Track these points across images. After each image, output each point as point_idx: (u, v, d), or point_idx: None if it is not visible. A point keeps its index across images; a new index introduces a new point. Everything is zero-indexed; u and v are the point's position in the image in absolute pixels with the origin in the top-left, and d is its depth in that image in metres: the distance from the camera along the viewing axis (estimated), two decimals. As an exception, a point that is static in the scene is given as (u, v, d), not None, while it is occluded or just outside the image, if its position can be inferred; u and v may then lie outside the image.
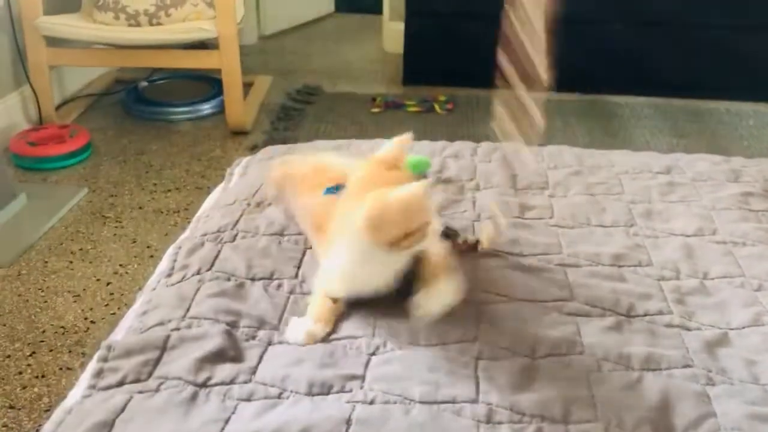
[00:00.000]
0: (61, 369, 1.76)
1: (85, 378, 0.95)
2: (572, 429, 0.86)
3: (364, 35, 4.15)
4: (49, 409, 1.63)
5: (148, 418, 0.85)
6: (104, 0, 2.84)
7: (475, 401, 0.88)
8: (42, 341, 1.85)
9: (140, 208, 2.46)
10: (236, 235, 1.21)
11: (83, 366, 1.01)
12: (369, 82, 3.52)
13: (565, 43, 3.55)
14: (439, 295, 1.03)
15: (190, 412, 0.86)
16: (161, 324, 1.00)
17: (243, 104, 2.99)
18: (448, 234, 1.16)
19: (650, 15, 3.29)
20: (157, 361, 0.94)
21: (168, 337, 0.97)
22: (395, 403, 0.88)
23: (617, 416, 0.87)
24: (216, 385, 0.90)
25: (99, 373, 0.93)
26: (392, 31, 3.81)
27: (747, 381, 0.94)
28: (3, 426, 1.61)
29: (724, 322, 1.05)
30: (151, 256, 2.18)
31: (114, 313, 1.94)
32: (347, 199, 1.02)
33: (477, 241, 1.18)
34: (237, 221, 1.25)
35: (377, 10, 4.00)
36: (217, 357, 0.94)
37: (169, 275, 1.13)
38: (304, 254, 1.18)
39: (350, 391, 0.90)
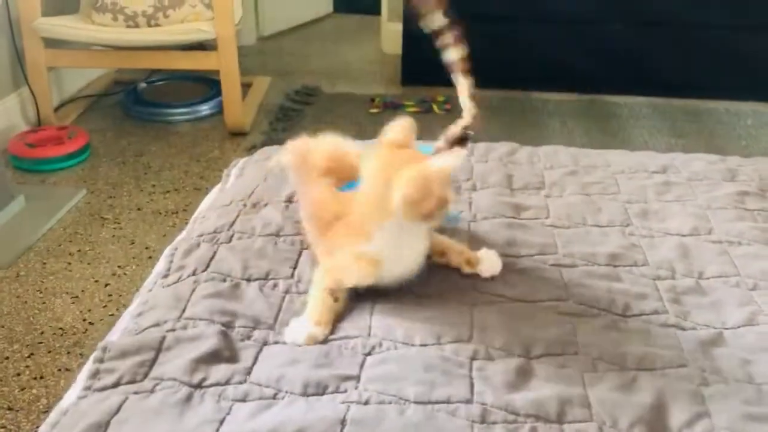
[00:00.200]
0: (59, 370, 1.77)
1: (81, 379, 0.95)
2: (567, 429, 0.86)
3: (362, 36, 4.15)
4: (47, 411, 1.64)
5: (143, 418, 0.85)
6: (102, 1, 2.84)
7: (469, 401, 0.88)
8: (40, 342, 1.85)
9: (139, 209, 2.46)
10: (232, 236, 1.21)
11: (82, 367, 1.01)
12: (367, 83, 3.52)
13: (563, 43, 3.59)
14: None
15: (185, 412, 0.86)
16: (157, 325, 1.01)
17: (241, 105, 2.99)
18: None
19: (649, 15, 3.30)
20: (153, 362, 0.94)
21: (163, 338, 0.97)
22: (390, 403, 0.88)
23: (612, 416, 0.87)
24: (211, 385, 0.91)
25: (95, 374, 0.93)
26: (391, 31, 3.81)
27: (742, 380, 0.94)
28: (1, 427, 1.61)
29: (719, 321, 1.05)
30: (150, 257, 2.19)
31: (112, 315, 1.94)
32: (371, 185, 1.02)
33: (465, 133, 1.20)
34: (233, 222, 1.25)
35: (376, 10, 4.00)
36: (213, 358, 0.94)
37: (165, 276, 1.14)
38: (300, 255, 1.18)
39: (345, 391, 0.90)
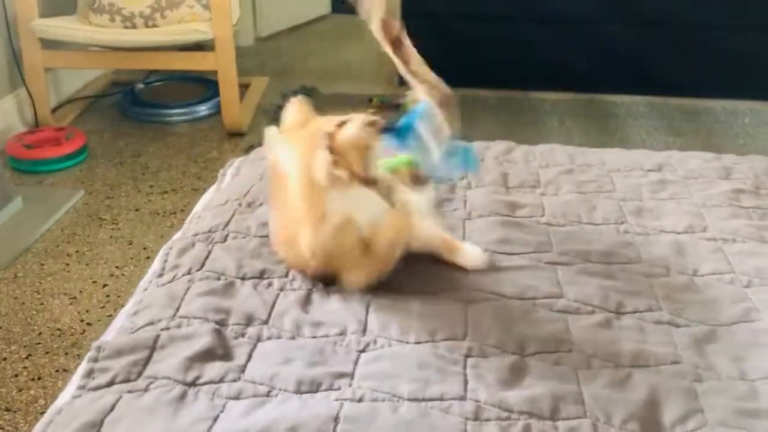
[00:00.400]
0: (57, 371, 1.77)
1: (75, 378, 0.95)
2: (560, 425, 0.86)
3: (360, 36, 4.14)
4: (45, 412, 1.63)
5: (136, 417, 0.85)
6: (100, 2, 2.84)
7: (463, 398, 0.89)
8: (38, 343, 1.85)
9: (137, 210, 2.46)
10: (227, 236, 1.21)
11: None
12: (365, 83, 3.52)
13: (561, 43, 3.59)
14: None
15: (179, 411, 0.86)
16: (151, 324, 1.01)
17: (239, 106, 2.99)
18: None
19: (646, 15, 3.30)
20: (147, 361, 0.94)
21: (158, 336, 0.98)
22: (383, 400, 0.88)
23: (605, 412, 0.87)
24: (205, 383, 0.91)
25: (89, 374, 0.93)
26: (388, 31, 3.81)
27: (734, 377, 0.94)
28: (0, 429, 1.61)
29: (713, 318, 1.06)
30: (148, 258, 2.19)
31: (110, 315, 1.94)
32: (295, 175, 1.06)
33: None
34: (228, 222, 1.25)
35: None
36: (206, 356, 0.94)
37: (160, 275, 1.14)
38: (295, 254, 1.18)
39: (339, 388, 0.90)
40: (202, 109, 3.15)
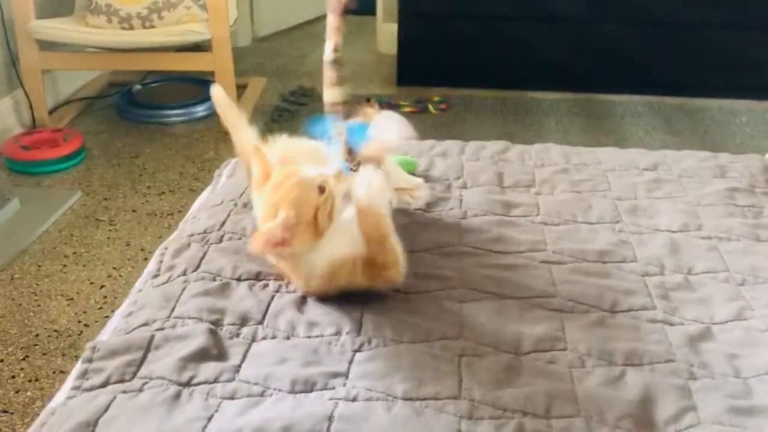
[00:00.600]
0: (54, 372, 1.77)
1: (70, 379, 0.95)
2: (554, 423, 0.86)
3: (358, 36, 4.15)
4: (41, 412, 1.64)
5: (131, 417, 0.85)
6: (97, 3, 2.84)
7: (457, 397, 0.89)
8: (35, 345, 1.85)
9: (134, 211, 2.46)
10: (223, 236, 1.22)
11: (77, 369, 1.01)
12: (363, 83, 3.52)
13: (559, 43, 3.59)
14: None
15: (173, 411, 0.86)
16: (146, 324, 1.01)
17: (237, 106, 2.99)
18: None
19: (643, 14, 3.30)
20: (142, 361, 0.94)
21: (152, 337, 0.98)
22: (378, 399, 0.88)
23: (599, 411, 0.88)
24: (199, 383, 0.91)
25: (83, 374, 0.93)
26: (386, 32, 3.82)
27: (728, 375, 0.95)
28: (-3, 430, 1.62)
29: (707, 316, 1.06)
30: (145, 259, 2.19)
31: (107, 316, 1.94)
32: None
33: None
34: (224, 222, 1.25)
35: (371, 11, 4.01)
36: (201, 356, 0.95)
37: (156, 276, 1.14)
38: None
39: (333, 388, 0.90)
40: (200, 110, 3.15)
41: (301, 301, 1.07)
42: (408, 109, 3.17)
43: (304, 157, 1.12)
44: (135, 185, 2.62)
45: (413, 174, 1.42)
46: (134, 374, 0.92)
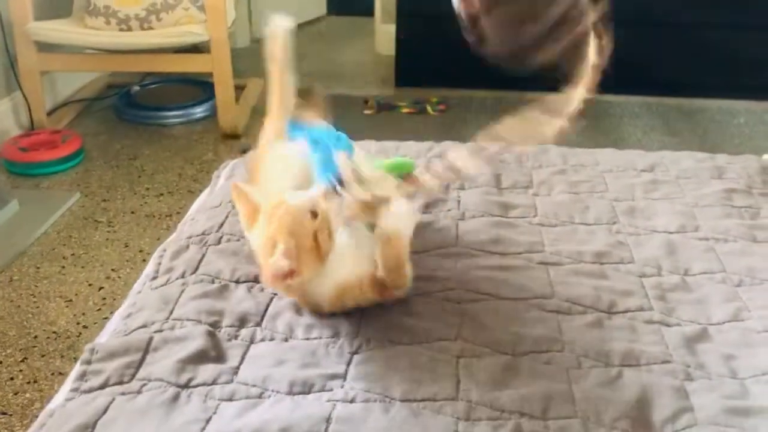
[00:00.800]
0: (53, 374, 1.77)
1: (68, 381, 0.96)
2: (551, 425, 0.86)
3: (356, 37, 4.16)
4: (40, 414, 1.64)
5: (129, 419, 0.85)
6: (95, 5, 2.85)
7: (454, 399, 0.89)
8: (34, 347, 1.86)
9: (132, 212, 2.46)
10: (221, 238, 1.22)
11: (75, 371, 1.01)
12: (362, 84, 3.53)
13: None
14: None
15: (172, 412, 0.86)
16: (144, 326, 1.01)
17: (235, 107, 3.00)
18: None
19: (642, 15, 3.30)
20: (140, 363, 0.94)
21: (151, 339, 0.98)
22: (375, 401, 0.88)
23: (595, 412, 0.88)
24: (198, 385, 0.91)
25: (82, 376, 0.93)
26: (384, 33, 3.82)
27: (725, 376, 0.95)
28: (-5, 431, 1.62)
29: (704, 317, 1.06)
30: (144, 260, 2.19)
31: (106, 318, 1.94)
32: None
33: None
34: (222, 224, 1.25)
35: (369, 12, 4.01)
36: (200, 358, 0.95)
37: (154, 278, 1.14)
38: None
39: (331, 390, 0.90)
40: (198, 111, 3.15)
41: (300, 304, 1.07)
42: (406, 110, 3.17)
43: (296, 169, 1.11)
44: (134, 187, 2.62)
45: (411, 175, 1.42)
46: (133, 376, 0.92)
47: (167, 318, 1.02)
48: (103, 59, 3.06)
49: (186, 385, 0.91)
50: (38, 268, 2.17)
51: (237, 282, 1.12)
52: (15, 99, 2.94)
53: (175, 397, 0.89)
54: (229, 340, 1.00)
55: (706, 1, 3.25)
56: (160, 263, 1.18)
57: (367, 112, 3.17)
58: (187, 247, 1.20)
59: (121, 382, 0.92)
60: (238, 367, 0.94)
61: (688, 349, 0.99)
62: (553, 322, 1.04)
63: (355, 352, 0.97)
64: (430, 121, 3.10)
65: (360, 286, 1.01)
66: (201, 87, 3.27)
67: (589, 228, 1.28)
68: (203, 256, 1.17)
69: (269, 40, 1.20)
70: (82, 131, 2.96)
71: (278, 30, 1.20)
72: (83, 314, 1.97)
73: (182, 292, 1.09)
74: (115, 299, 2.03)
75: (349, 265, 1.01)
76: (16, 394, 1.71)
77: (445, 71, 3.44)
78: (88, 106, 3.26)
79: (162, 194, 2.57)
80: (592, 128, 3.08)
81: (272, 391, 0.90)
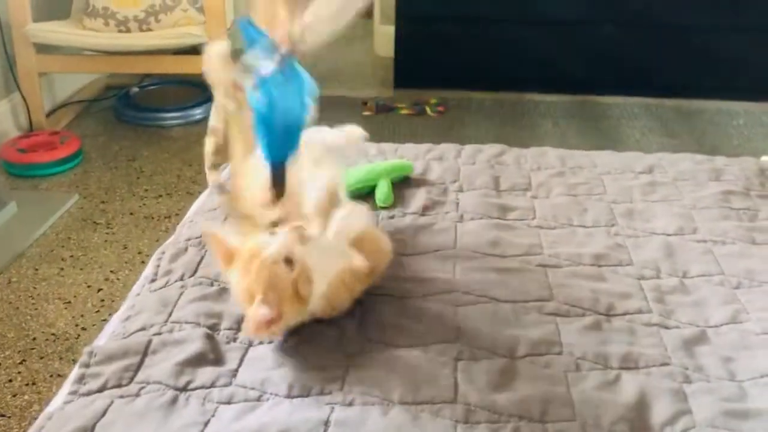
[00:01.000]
0: (51, 376, 1.77)
1: (67, 384, 0.96)
2: (549, 428, 0.86)
3: (355, 39, 4.15)
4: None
5: (128, 422, 0.86)
6: (94, 6, 2.85)
7: (453, 402, 0.89)
8: (32, 348, 1.85)
9: (131, 214, 2.46)
10: (220, 240, 1.22)
11: (74, 373, 1.01)
12: (360, 86, 3.53)
13: (555, 45, 3.59)
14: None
15: (170, 415, 0.86)
16: (143, 329, 1.01)
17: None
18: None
19: (640, 16, 3.31)
20: (139, 366, 0.94)
21: (149, 341, 0.98)
22: (374, 404, 0.88)
23: (594, 415, 0.88)
24: (196, 388, 0.91)
25: (81, 379, 0.93)
26: (383, 34, 3.82)
27: (723, 378, 0.95)
28: (-6, 433, 1.62)
29: (702, 320, 1.06)
30: (143, 262, 2.19)
31: (105, 320, 1.94)
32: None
33: None
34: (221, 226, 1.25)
35: (368, 14, 4.01)
36: (198, 361, 0.95)
37: (153, 280, 1.14)
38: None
39: (330, 393, 0.90)
40: (197, 113, 3.15)
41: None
42: (405, 112, 3.17)
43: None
44: (132, 188, 2.62)
45: (410, 178, 1.43)
46: (131, 379, 0.92)
47: (166, 321, 1.03)
48: (101, 61, 3.06)
49: (184, 388, 0.91)
50: (37, 269, 2.16)
51: (235, 284, 1.11)
52: (14, 100, 2.94)
53: (174, 400, 0.89)
54: (228, 342, 1.00)
55: (704, 2, 3.26)
56: (158, 265, 1.18)
57: (365, 113, 3.17)
58: (186, 249, 1.20)
59: (119, 385, 0.92)
60: (236, 370, 0.94)
61: (687, 351, 0.99)
62: (552, 324, 1.04)
63: (354, 356, 0.97)
64: (429, 123, 3.10)
65: (344, 283, 1.00)
66: (200, 88, 3.26)
67: (587, 230, 1.28)
68: (202, 258, 1.17)
69: (205, 67, 1.19)
70: (81, 133, 2.96)
71: (213, 55, 1.19)
72: (82, 316, 1.97)
73: (181, 294, 1.09)
74: (113, 301, 2.03)
75: (327, 273, 0.99)
76: (14, 396, 1.71)
77: (444, 73, 3.45)
78: (86, 107, 3.26)
79: (161, 196, 2.57)
80: (591, 130, 3.08)
81: (271, 394, 0.90)
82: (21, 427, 1.62)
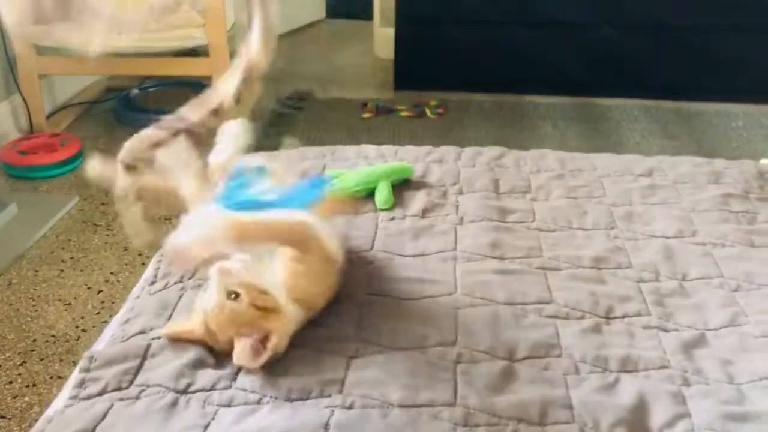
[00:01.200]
0: (51, 378, 1.77)
1: (67, 388, 0.96)
2: (549, 430, 0.87)
3: (355, 41, 4.16)
4: (39, 419, 1.64)
5: (128, 425, 0.86)
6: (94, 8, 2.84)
7: (452, 404, 0.89)
8: (33, 350, 1.86)
9: (131, 215, 2.46)
10: (220, 243, 1.22)
11: (74, 375, 1.01)
12: (360, 88, 3.53)
13: (555, 47, 3.59)
14: None
15: (170, 418, 0.87)
16: (143, 332, 1.01)
17: (234, 111, 2.99)
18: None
19: (639, 18, 3.31)
20: (138, 369, 0.94)
21: (149, 345, 0.98)
22: (373, 407, 0.88)
23: (593, 418, 0.88)
24: (196, 391, 0.91)
25: (81, 384, 0.93)
26: (383, 36, 3.83)
27: (722, 381, 0.95)
28: (-6, 435, 1.62)
29: (701, 323, 1.06)
30: (143, 264, 2.19)
31: (105, 322, 1.95)
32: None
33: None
34: (221, 228, 1.25)
35: (368, 16, 4.02)
36: (198, 364, 0.95)
37: (153, 283, 1.14)
38: (287, 261, 1.18)
39: (329, 396, 0.90)
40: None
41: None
42: (405, 114, 3.17)
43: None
44: (132, 190, 2.62)
45: (410, 180, 1.43)
46: (131, 382, 0.93)
47: (165, 323, 1.03)
48: (102, 63, 3.05)
49: (184, 391, 0.91)
50: (37, 271, 2.17)
51: (235, 287, 1.11)
52: (14, 102, 2.94)
53: (174, 403, 0.89)
54: (228, 345, 1.00)
55: (704, 4, 3.26)
56: (158, 267, 1.18)
57: (365, 115, 3.17)
58: (186, 251, 1.20)
59: (119, 388, 0.92)
60: (236, 373, 0.94)
61: (686, 354, 1.00)
62: (551, 327, 1.04)
63: (353, 358, 0.98)
64: (429, 125, 3.11)
65: (301, 276, 0.98)
66: (200, 90, 3.26)
67: (587, 233, 1.28)
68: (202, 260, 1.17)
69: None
70: (81, 134, 2.96)
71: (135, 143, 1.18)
72: (82, 318, 1.97)
73: (180, 297, 1.09)
74: (114, 303, 2.03)
75: (273, 275, 0.98)
76: (14, 397, 1.71)
77: (443, 75, 3.45)
78: (87, 109, 3.26)
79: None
80: (591, 132, 3.09)
81: (270, 397, 0.90)
82: (21, 429, 1.63)
